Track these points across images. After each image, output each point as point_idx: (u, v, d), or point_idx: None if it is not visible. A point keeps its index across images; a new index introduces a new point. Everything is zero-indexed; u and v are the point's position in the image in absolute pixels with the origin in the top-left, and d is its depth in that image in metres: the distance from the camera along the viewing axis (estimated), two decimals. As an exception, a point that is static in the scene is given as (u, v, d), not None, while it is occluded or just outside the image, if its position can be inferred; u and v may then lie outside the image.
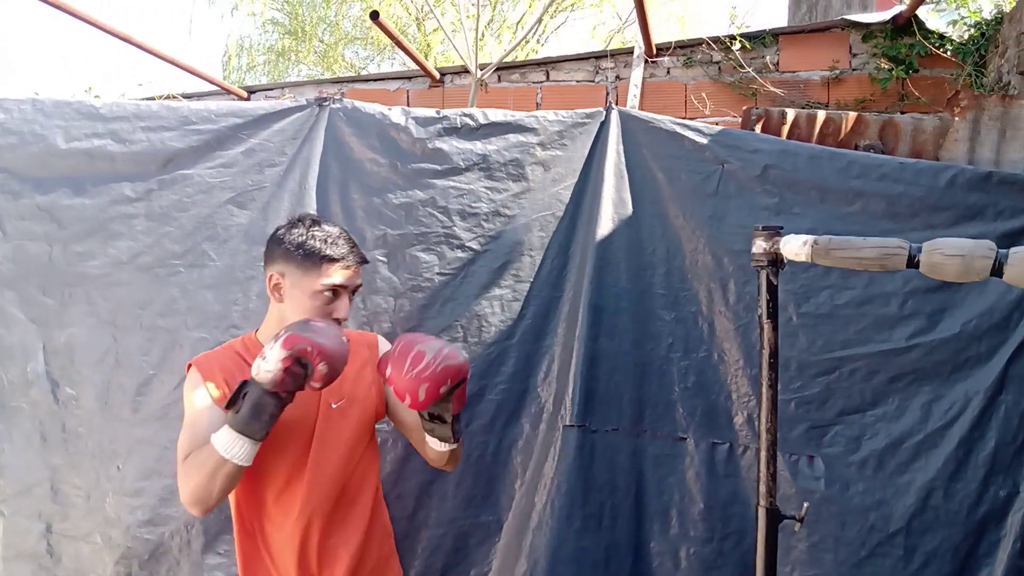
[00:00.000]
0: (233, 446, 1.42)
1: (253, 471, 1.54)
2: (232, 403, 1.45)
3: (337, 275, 1.60)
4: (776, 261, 1.31)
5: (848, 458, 2.03)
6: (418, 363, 1.48)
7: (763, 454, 1.35)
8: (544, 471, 2.07)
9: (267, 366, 1.40)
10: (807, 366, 2.06)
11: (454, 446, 1.66)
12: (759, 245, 1.33)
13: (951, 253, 1.10)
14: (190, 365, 1.64)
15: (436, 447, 1.66)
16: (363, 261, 1.67)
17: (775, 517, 1.35)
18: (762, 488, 1.35)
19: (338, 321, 1.61)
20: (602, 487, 2.07)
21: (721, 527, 2.05)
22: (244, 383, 1.45)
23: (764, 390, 1.35)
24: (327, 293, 1.60)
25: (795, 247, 1.26)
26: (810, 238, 1.24)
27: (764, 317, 1.35)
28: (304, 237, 1.60)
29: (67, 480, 2.14)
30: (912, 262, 1.16)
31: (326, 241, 1.60)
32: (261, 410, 1.42)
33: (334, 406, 1.67)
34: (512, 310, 2.17)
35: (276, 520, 1.63)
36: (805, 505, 1.40)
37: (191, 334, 2.14)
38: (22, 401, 2.15)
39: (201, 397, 1.58)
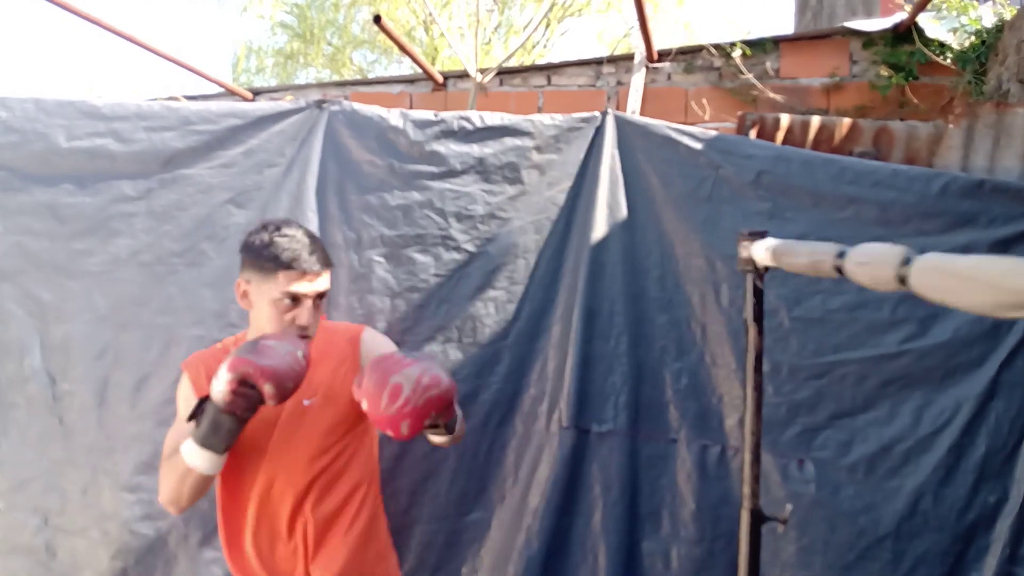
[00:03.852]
0: (197, 457, 1.45)
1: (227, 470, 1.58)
2: (194, 416, 1.46)
3: (294, 283, 1.56)
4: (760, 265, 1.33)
5: (838, 462, 2.04)
6: (396, 398, 1.40)
7: (747, 455, 1.36)
8: (537, 471, 2.09)
9: (218, 387, 1.40)
10: (798, 370, 2.07)
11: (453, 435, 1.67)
12: (745, 249, 1.35)
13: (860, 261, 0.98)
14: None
15: (434, 439, 1.69)
16: (327, 266, 1.63)
17: (758, 518, 1.36)
18: (746, 490, 1.36)
19: (302, 328, 1.59)
20: (594, 487, 2.09)
21: (711, 528, 2.06)
22: (204, 399, 1.45)
23: (749, 392, 1.36)
24: (286, 301, 1.57)
25: (760, 252, 1.30)
26: (773, 242, 1.28)
27: (750, 320, 1.37)
28: (266, 243, 1.57)
29: (64, 475, 2.15)
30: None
31: (285, 248, 1.56)
32: (218, 427, 1.43)
33: (306, 403, 1.65)
34: (506, 311, 2.19)
35: (261, 515, 1.65)
36: (788, 507, 1.41)
37: (189, 332, 2.16)
38: (19, 396, 2.17)
39: (187, 401, 1.60)
